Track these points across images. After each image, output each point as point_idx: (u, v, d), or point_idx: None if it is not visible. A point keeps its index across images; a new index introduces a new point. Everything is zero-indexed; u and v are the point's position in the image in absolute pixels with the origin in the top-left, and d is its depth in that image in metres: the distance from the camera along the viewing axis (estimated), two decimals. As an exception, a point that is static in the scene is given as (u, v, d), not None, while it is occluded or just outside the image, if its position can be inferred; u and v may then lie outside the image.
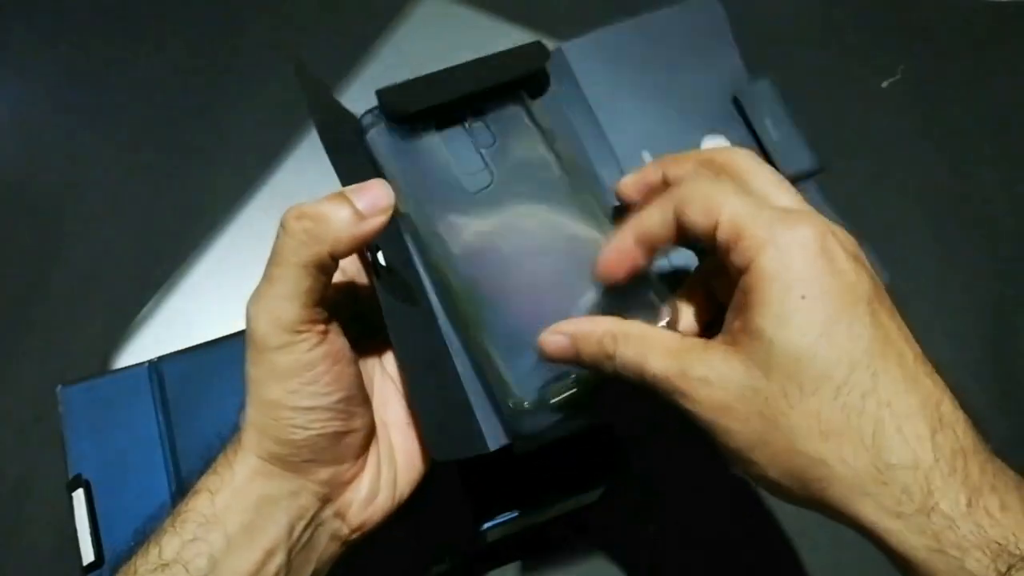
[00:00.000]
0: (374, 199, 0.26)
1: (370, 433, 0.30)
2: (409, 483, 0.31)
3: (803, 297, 0.22)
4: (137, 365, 0.43)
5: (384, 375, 0.32)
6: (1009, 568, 0.20)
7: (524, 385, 0.28)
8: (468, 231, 0.30)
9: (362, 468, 0.30)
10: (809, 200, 0.28)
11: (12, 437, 0.48)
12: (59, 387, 0.43)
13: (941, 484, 0.21)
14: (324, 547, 0.29)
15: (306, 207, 0.25)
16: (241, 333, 0.44)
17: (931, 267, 0.56)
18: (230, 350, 0.44)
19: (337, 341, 0.28)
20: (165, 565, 0.25)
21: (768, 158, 0.33)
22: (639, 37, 0.35)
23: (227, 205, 0.54)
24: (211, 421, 0.40)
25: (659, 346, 0.25)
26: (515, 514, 0.38)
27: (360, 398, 0.29)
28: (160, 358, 0.43)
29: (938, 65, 0.65)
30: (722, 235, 0.24)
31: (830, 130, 0.62)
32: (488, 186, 0.31)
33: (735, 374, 0.23)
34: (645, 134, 0.33)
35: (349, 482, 0.29)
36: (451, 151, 0.31)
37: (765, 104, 0.34)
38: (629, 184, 0.29)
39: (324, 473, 0.28)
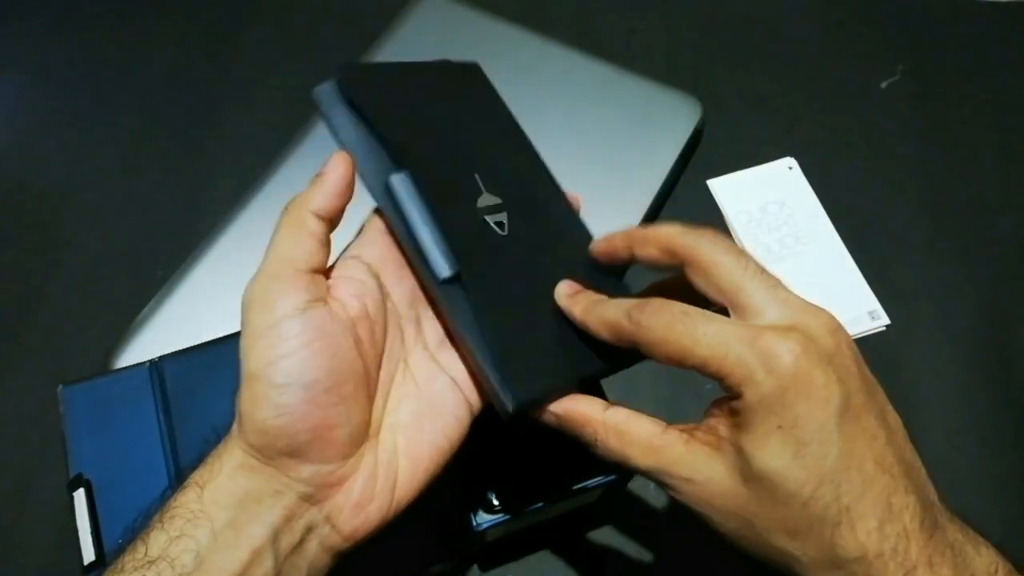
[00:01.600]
0: (330, 164, 0.30)
1: (359, 433, 0.29)
2: (410, 491, 0.29)
3: (779, 427, 0.25)
4: (138, 365, 0.43)
5: (406, 374, 0.31)
6: None
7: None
8: None
9: (353, 470, 0.28)
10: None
11: (12, 437, 0.48)
12: (60, 387, 0.43)
13: (882, 568, 0.25)
14: (315, 556, 0.28)
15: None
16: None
17: (931, 267, 0.56)
18: (230, 350, 0.43)
19: (332, 322, 0.28)
20: (151, 562, 0.25)
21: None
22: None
23: (227, 205, 0.54)
24: (211, 420, 0.40)
25: (639, 441, 0.28)
26: (515, 514, 0.38)
27: (352, 391, 0.28)
28: (160, 358, 0.44)
29: (938, 65, 0.65)
30: (709, 371, 0.26)
31: (830, 130, 0.62)
32: None
33: (717, 477, 0.27)
34: None
35: (337, 484, 0.28)
36: None
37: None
38: (597, 250, 0.33)
39: (306, 471, 0.27)
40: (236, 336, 0.44)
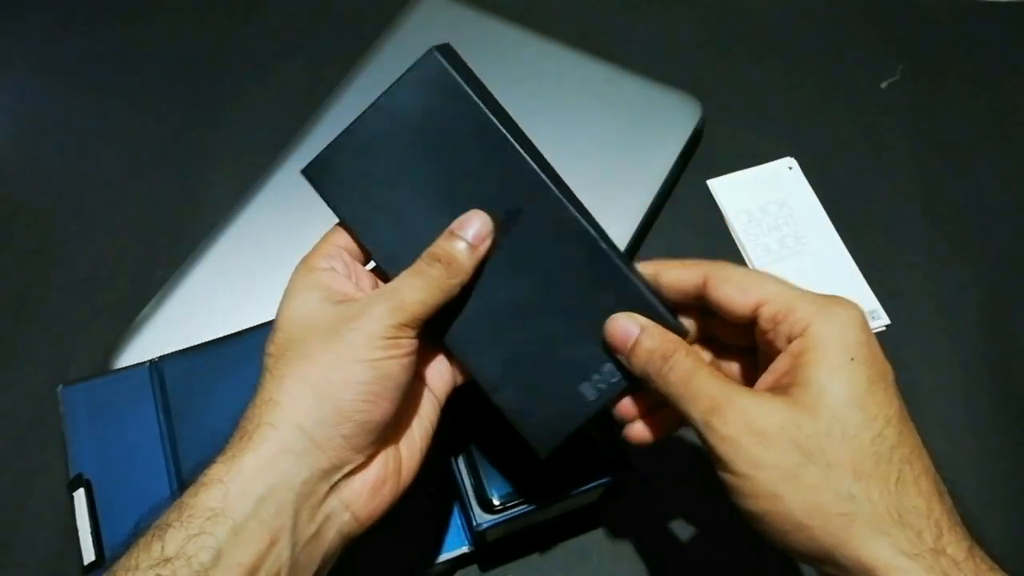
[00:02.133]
0: (478, 228, 0.31)
1: (394, 427, 0.31)
2: (411, 471, 0.32)
3: (852, 359, 0.26)
4: (138, 365, 0.44)
5: None
6: None
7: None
8: None
9: (372, 457, 0.30)
10: None
11: (12, 437, 0.48)
12: (60, 387, 0.43)
13: (948, 532, 0.25)
14: (331, 542, 0.29)
15: (433, 250, 0.31)
16: (241, 333, 0.44)
17: (931, 267, 0.56)
18: (230, 350, 0.44)
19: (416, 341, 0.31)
20: (167, 560, 0.25)
21: None
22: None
23: (227, 205, 0.54)
24: (212, 420, 0.40)
25: (710, 369, 0.29)
26: (515, 513, 0.38)
27: (407, 392, 0.31)
28: (160, 358, 0.44)
29: (938, 65, 0.65)
30: (768, 311, 0.28)
31: (830, 130, 0.62)
32: None
33: (780, 411, 0.26)
34: None
35: (359, 469, 0.30)
36: None
37: None
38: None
39: (346, 454, 0.29)
40: (236, 336, 0.44)
